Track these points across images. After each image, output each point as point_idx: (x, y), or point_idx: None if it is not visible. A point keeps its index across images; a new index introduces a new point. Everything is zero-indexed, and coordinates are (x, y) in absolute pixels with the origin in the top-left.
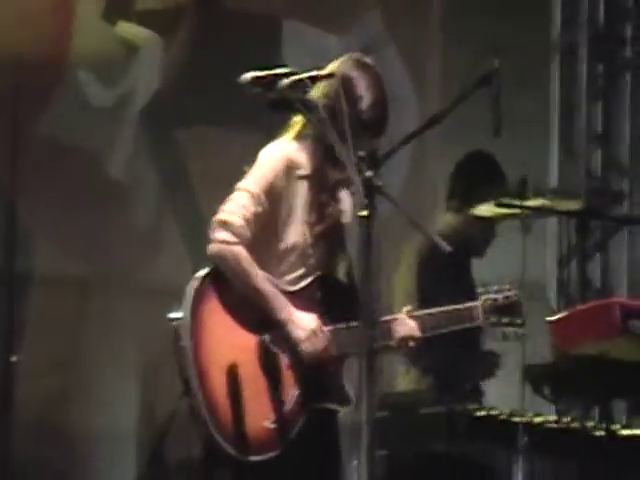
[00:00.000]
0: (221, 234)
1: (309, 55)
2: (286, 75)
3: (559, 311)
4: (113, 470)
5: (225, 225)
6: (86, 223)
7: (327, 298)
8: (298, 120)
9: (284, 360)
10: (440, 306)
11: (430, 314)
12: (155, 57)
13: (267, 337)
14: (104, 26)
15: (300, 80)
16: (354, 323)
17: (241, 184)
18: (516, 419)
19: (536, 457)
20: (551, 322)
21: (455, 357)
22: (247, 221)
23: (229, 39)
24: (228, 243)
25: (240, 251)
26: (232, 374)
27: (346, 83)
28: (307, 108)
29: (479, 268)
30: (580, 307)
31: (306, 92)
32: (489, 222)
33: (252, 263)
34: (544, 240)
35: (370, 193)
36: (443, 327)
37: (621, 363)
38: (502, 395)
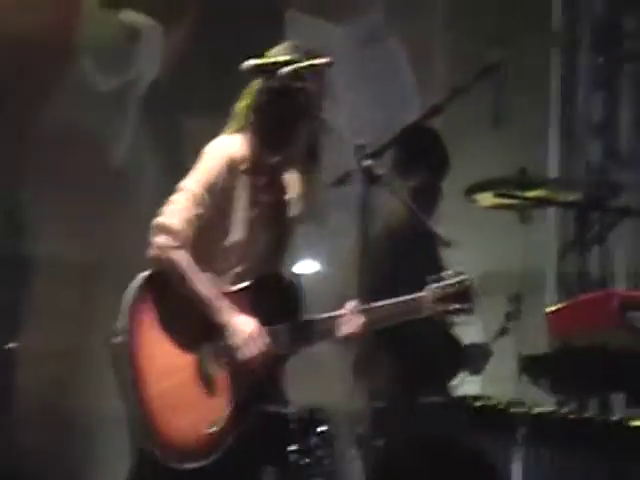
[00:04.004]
0: (160, 238)
1: (311, 45)
2: (286, 63)
3: (558, 302)
4: (116, 455)
5: (164, 229)
6: (89, 209)
7: (269, 296)
8: (240, 109)
9: (222, 366)
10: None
11: (375, 308)
12: (157, 44)
13: (205, 344)
14: (107, 13)
15: (300, 68)
16: (295, 321)
17: (183, 183)
18: (514, 410)
19: (534, 448)
20: (549, 313)
21: (429, 351)
22: (188, 223)
23: (231, 27)
24: (167, 247)
25: (179, 255)
26: (169, 381)
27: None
28: (306, 96)
29: (478, 258)
30: (578, 298)
31: (305, 80)
32: (429, 191)
33: (192, 266)
34: (543, 231)
35: (369, 181)
36: (390, 320)
37: (619, 355)
38: (500, 385)
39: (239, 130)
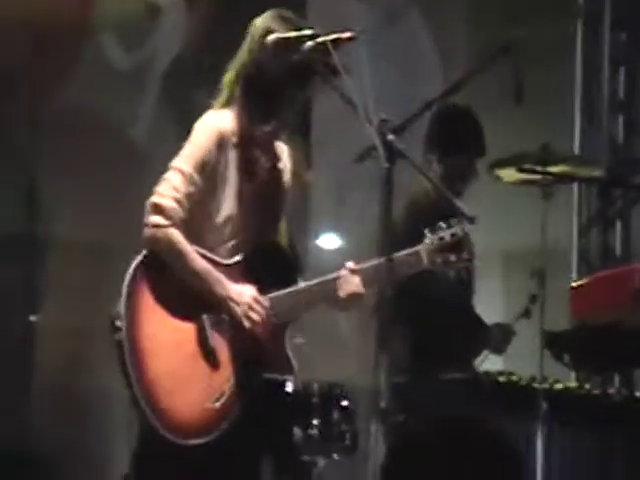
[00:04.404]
0: (154, 218)
1: (333, 20)
2: (309, 38)
3: (580, 278)
4: (129, 434)
5: (157, 208)
6: (107, 187)
7: (265, 266)
8: (228, 81)
9: (224, 338)
10: None
11: (372, 266)
12: (178, 20)
13: (205, 318)
14: None
15: (323, 43)
16: (294, 287)
17: (174, 162)
18: (536, 385)
19: (556, 423)
20: (571, 289)
21: (453, 333)
22: (179, 202)
23: (253, 2)
24: (160, 227)
25: (172, 234)
26: (171, 359)
27: (268, 34)
28: (329, 70)
29: (499, 235)
30: (601, 274)
31: (328, 55)
32: (467, 161)
33: (185, 244)
34: (565, 207)
35: (392, 156)
36: (391, 276)
37: None
38: (522, 361)
39: (227, 103)
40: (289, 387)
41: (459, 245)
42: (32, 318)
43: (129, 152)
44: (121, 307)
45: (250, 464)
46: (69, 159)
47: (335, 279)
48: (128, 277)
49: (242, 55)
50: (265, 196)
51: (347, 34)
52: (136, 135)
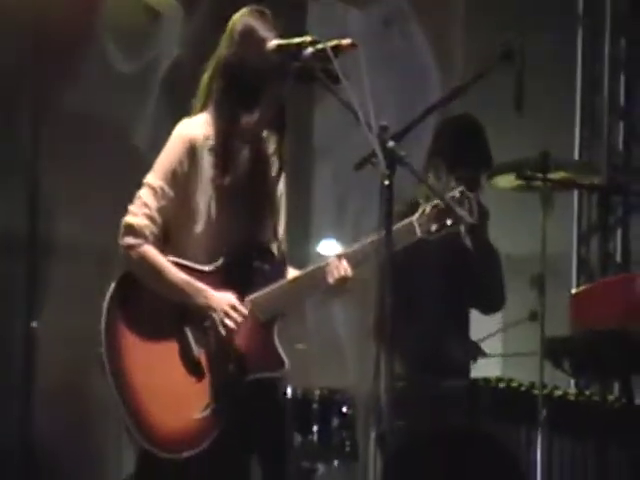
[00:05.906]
0: (126, 239)
1: (332, 28)
2: (309, 44)
3: (580, 285)
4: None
5: (129, 228)
6: (108, 193)
7: (249, 267)
8: (203, 83)
9: (207, 347)
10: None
11: (359, 247)
12: (177, 25)
13: (187, 330)
14: None
15: (323, 50)
16: (279, 283)
17: (146, 178)
18: (536, 392)
19: (555, 430)
20: (571, 296)
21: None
22: (151, 218)
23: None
24: (132, 247)
25: (146, 251)
26: (157, 378)
27: (247, 31)
28: (329, 77)
29: (499, 241)
30: (600, 281)
31: (328, 62)
32: (477, 172)
33: (159, 259)
34: (565, 214)
35: (392, 163)
36: (377, 253)
37: None
38: (522, 368)
39: (204, 104)
40: (287, 390)
41: (447, 211)
42: (33, 324)
43: (131, 156)
44: (102, 338)
45: (245, 468)
46: (71, 163)
47: (323, 267)
48: (105, 306)
49: (220, 51)
50: (248, 190)
51: (347, 41)
52: (138, 139)
